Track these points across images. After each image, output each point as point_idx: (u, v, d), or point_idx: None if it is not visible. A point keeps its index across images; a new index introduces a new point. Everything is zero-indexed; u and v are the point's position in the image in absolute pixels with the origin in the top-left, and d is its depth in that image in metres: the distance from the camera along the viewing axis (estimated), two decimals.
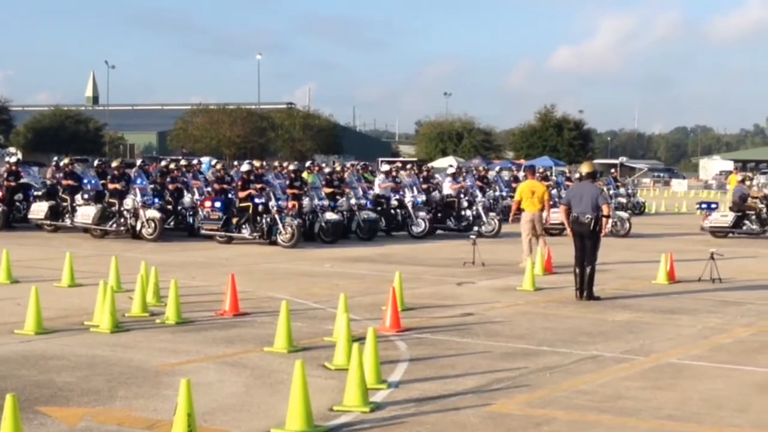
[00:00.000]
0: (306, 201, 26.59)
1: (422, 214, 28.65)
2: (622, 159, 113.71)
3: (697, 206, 31.48)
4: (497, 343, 11.93)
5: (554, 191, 40.46)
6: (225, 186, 26.93)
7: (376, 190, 30.67)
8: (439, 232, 29.31)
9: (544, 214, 20.59)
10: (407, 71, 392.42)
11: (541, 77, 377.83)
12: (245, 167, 26.40)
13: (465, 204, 29.84)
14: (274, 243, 24.37)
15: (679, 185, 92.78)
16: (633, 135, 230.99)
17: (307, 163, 35.34)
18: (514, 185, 39.02)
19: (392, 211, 29.15)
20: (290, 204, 25.24)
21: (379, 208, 28.78)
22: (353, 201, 27.51)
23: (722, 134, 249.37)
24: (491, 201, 37.27)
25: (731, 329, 13.36)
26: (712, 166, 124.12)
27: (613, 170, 68.16)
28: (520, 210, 20.71)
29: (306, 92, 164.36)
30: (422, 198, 29.21)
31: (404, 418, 8.46)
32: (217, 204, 25.44)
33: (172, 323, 12.75)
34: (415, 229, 28.45)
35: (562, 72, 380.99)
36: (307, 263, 20.78)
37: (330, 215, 26.11)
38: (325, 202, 26.85)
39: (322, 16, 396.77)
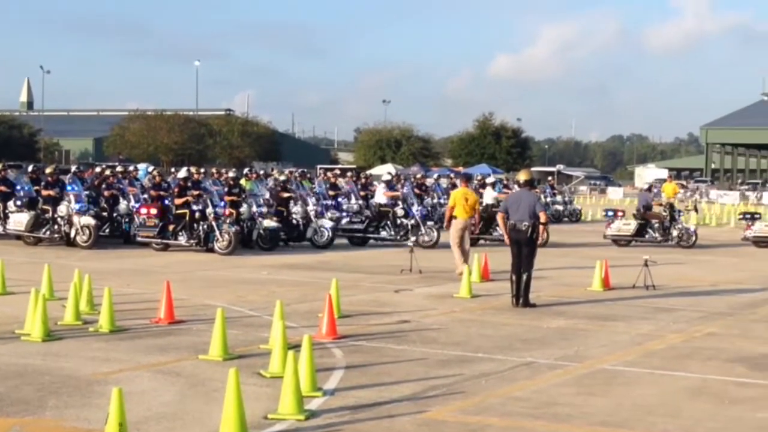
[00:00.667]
0: (244, 208, 26.39)
1: (326, 222, 27.33)
2: (560, 167, 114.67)
3: (604, 213, 31.82)
4: (433, 350, 11.96)
5: (429, 200, 40.76)
6: (162, 193, 26.70)
7: (378, 199, 29.93)
8: (371, 242, 28.55)
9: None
10: (347, 78, 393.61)
11: (481, 85, 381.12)
12: (182, 174, 26.22)
13: (401, 213, 28.59)
14: (211, 250, 24.17)
15: (614, 193, 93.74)
16: (570, 143, 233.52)
17: (245, 170, 35.18)
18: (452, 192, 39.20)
19: (398, 221, 28.40)
20: (227, 211, 25.03)
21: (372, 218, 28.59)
22: (254, 209, 26.52)
23: (657, 143, 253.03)
24: (429, 209, 37.39)
25: (664, 335, 13.52)
26: (647, 174, 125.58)
27: (550, 178, 68.70)
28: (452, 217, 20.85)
29: (245, 99, 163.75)
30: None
31: (339, 425, 8.44)
32: (154, 211, 25.19)
33: (106, 331, 12.60)
34: (319, 239, 26.98)
35: (501, 80, 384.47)
36: (244, 270, 20.66)
37: (268, 222, 25.97)
38: (264, 209, 26.74)
39: (261, 23, 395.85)
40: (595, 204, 68.25)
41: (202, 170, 35.62)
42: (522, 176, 17.07)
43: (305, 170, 47.04)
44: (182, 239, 24.61)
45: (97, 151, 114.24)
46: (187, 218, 24.49)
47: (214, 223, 24.12)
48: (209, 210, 24.24)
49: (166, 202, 25.89)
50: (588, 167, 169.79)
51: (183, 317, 13.73)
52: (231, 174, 30.10)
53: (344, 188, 34.62)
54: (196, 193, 24.85)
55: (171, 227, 24.78)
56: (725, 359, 11.86)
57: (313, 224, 26.90)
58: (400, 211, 28.58)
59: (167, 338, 12.37)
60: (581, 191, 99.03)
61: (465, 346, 12.35)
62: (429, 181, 42.73)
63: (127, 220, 27.18)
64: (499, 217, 16.66)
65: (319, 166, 77.86)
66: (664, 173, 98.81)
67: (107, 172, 30.42)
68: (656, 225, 29.63)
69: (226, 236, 24.03)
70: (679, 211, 30.72)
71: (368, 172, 59.77)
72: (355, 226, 28.87)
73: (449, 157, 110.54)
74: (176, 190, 25.36)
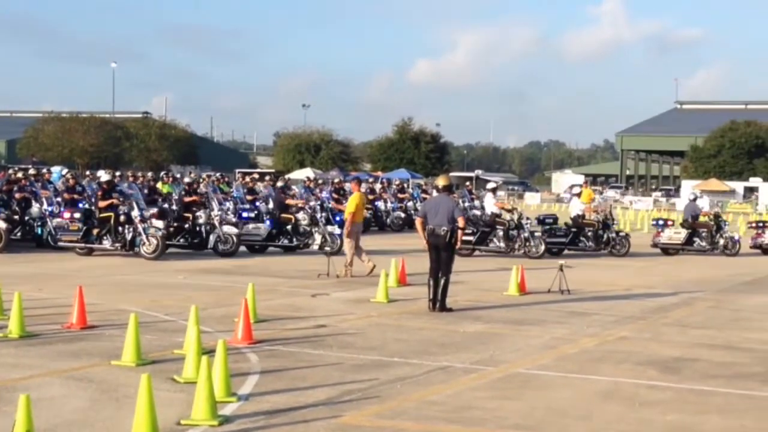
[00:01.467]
0: (202, 212, 25.91)
1: (230, 229, 25.95)
2: (478, 172, 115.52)
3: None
4: (349, 355, 11.94)
5: (410, 204, 41.07)
6: (76, 196, 26.29)
7: (489, 210, 28.08)
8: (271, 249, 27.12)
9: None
10: (266, 82, 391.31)
11: (400, 90, 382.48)
12: (105, 177, 25.78)
13: (304, 220, 27.00)
14: (138, 254, 23.77)
15: (532, 198, 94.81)
16: (488, 149, 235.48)
17: (161, 174, 34.87)
18: (370, 197, 39.39)
19: (300, 228, 27.20)
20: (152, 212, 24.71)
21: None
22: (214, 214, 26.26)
23: (574, 149, 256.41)
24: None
25: (577, 339, 13.68)
26: (564, 179, 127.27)
27: (468, 183, 69.19)
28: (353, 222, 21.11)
29: (163, 101, 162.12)
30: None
31: (253, 431, 8.38)
32: (77, 215, 24.68)
33: (16, 337, 12.35)
34: (222, 247, 25.42)
35: (420, 85, 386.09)
36: (160, 275, 20.43)
37: (228, 228, 25.64)
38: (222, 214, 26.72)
39: (180, 25, 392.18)
40: None
41: (118, 173, 35.17)
42: (441, 181, 17.16)
43: (224, 174, 46.80)
44: (107, 243, 24.14)
45: (10, 154, 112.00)
46: (112, 222, 24.03)
47: (140, 227, 23.72)
48: (135, 213, 23.87)
49: (80, 205, 25.47)
50: (506, 173, 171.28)
51: (96, 322, 13.52)
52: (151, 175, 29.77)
53: (262, 192, 34.50)
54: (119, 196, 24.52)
55: (95, 231, 24.25)
56: (637, 362, 12.04)
57: (217, 230, 25.44)
58: (302, 218, 27.10)
59: (79, 344, 12.17)
60: (500, 196, 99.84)
61: (381, 350, 12.36)
62: (347, 186, 42.70)
63: (39, 223, 26.66)
64: (418, 222, 16.72)
65: (237, 170, 77.34)
66: (580, 179, 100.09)
67: (19, 175, 29.88)
68: (704, 234, 30.07)
69: (153, 240, 23.67)
70: (725, 221, 30.65)
71: (287, 176, 59.55)
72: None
73: (368, 161, 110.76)
74: (100, 193, 24.88)
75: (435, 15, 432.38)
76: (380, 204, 39.58)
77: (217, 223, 25.52)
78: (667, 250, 30.21)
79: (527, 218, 27.72)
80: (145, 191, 30.36)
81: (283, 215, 26.87)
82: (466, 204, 42.81)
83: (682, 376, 11.26)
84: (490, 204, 28.19)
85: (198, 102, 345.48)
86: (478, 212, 44.83)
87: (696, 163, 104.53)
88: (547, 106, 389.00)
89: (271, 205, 29.09)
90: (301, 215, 27.07)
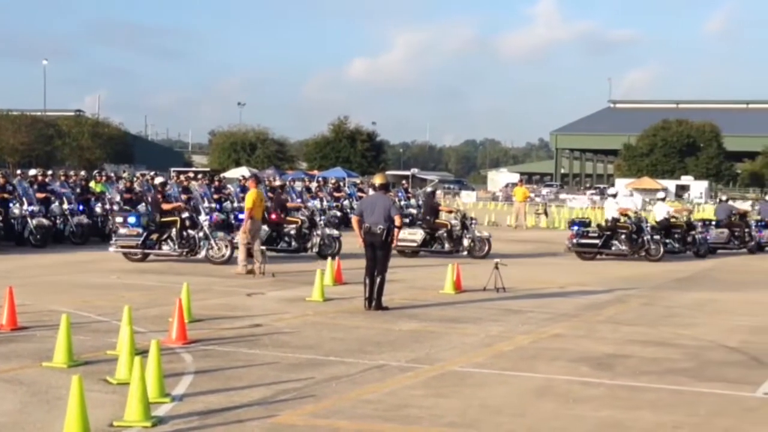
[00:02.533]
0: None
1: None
2: (414, 170, 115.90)
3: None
4: (285, 354, 11.90)
5: (346, 202, 41.06)
6: (6, 195, 25.88)
7: (610, 215, 28.17)
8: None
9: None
10: (201, 81, 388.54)
11: (337, 89, 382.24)
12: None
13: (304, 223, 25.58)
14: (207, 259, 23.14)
15: (468, 197, 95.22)
16: (425, 147, 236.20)
17: (94, 172, 34.49)
18: (306, 195, 39.28)
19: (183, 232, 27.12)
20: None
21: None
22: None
23: (509, 147, 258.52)
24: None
25: (513, 337, 13.77)
26: (499, 178, 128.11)
27: (404, 182, 69.44)
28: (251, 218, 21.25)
29: (95, 100, 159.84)
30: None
31: (187, 431, 8.31)
32: (132, 219, 23.76)
33: None
34: None
35: (357, 84, 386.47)
36: (94, 275, 20.19)
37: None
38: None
39: (113, 22, 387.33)
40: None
41: (50, 172, 34.67)
42: (377, 180, 17.19)
43: (158, 172, 46.37)
44: (167, 248, 23.25)
45: None
46: (178, 226, 23.23)
47: (208, 231, 23.27)
48: (202, 217, 23.48)
49: (11, 205, 25.07)
50: (442, 171, 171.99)
51: (26, 323, 13.32)
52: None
53: (197, 191, 34.25)
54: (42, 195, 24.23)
55: (155, 236, 23.33)
56: (570, 359, 12.15)
57: (209, 239, 24.07)
58: (303, 221, 25.55)
59: (9, 345, 11.97)
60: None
61: (317, 349, 12.33)
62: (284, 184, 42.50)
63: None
64: (354, 220, 16.72)
65: (172, 169, 76.71)
66: (515, 177, 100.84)
67: None
68: (444, 235, 27.38)
69: (222, 245, 23.18)
70: (646, 221, 28.80)
71: (222, 175, 59.22)
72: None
73: (304, 160, 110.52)
74: (160, 196, 24.07)
75: (372, 14, 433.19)
76: (316, 203, 39.48)
77: (207, 231, 23.50)
78: (583, 254, 27.86)
79: (474, 219, 27.93)
80: (78, 190, 30.02)
81: (163, 219, 23.65)
82: (402, 202, 42.96)
83: (615, 373, 11.39)
84: (612, 209, 28.50)
85: (132, 100, 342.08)
86: (414, 211, 45.12)
87: (629, 161, 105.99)
88: (483, 105, 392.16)
89: (206, 204, 28.73)
90: (300, 217, 26.18)
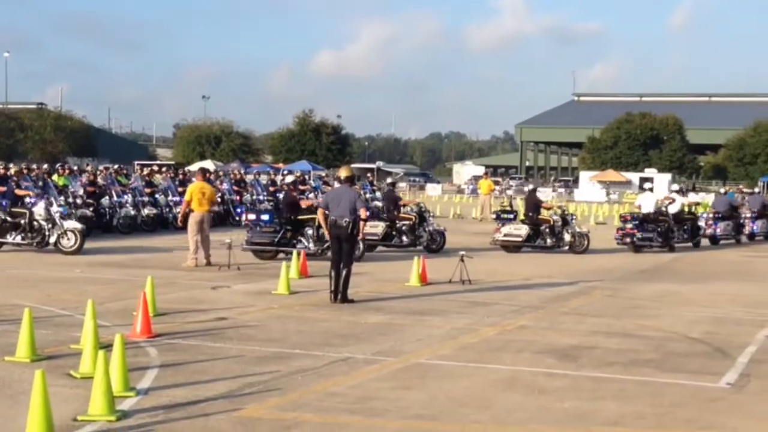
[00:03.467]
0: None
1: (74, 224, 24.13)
2: (379, 163, 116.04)
3: None
4: (250, 347, 11.87)
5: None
6: None
7: (649, 208, 28.79)
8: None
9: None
10: (165, 73, 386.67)
11: (302, 82, 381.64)
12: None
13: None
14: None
15: (433, 189, 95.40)
16: (390, 140, 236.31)
17: (57, 166, 34.23)
18: (272, 189, 39.23)
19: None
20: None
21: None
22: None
23: (475, 140, 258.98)
24: (248, 205, 37.26)
25: (478, 329, 13.81)
26: (465, 171, 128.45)
27: (369, 174, 69.39)
28: (190, 210, 21.45)
29: (58, 92, 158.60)
30: None
31: (152, 425, 8.27)
32: (265, 217, 23.24)
33: None
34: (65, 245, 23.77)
35: (322, 77, 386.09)
36: (56, 269, 20.04)
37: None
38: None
39: (75, 14, 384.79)
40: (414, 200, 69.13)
41: (11, 165, 34.36)
42: (342, 173, 17.18)
43: (122, 165, 46.13)
44: (301, 246, 22.55)
45: None
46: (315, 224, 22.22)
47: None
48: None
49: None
50: (407, 164, 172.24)
51: None
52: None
53: (161, 184, 34.14)
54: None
55: (290, 235, 22.84)
56: (535, 351, 12.20)
57: (57, 227, 23.44)
58: (40, 211, 23.86)
59: None
60: (400, 188, 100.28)
61: (282, 342, 12.31)
62: (248, 178, 42.53)
63: None
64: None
65: (136, 162, 76.23)
66: (481, 170, 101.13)
67: None
68: (546, 230, 27.41)
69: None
70: (572, 216, 28.59)
71: (187, 168, 58.96)
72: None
73: (270, 153, 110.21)
74: (295, 192, 23.85)
75: (337, 6, 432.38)
76: (281, 196, 39.44)
77: (58, 219, 23.45)
78: (508, 248, 27.23)
79: (430, 212, 27.71)
80: (40, 183, 29.77)
81: (300, 217, 23.04)
82: (368, 195, 42.95)
83: (580, 364, 11.45)
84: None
85: (95, 93, 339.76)
86: (380, 203, 45.12)
87: (593, 154, 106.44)
88: (448, 98, 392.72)
89: (171, 197, 28.55)
90: (412, 214, 26.32)
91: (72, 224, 23.65)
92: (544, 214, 27.81)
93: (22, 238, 23.72)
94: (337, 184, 18.38)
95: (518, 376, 10.72)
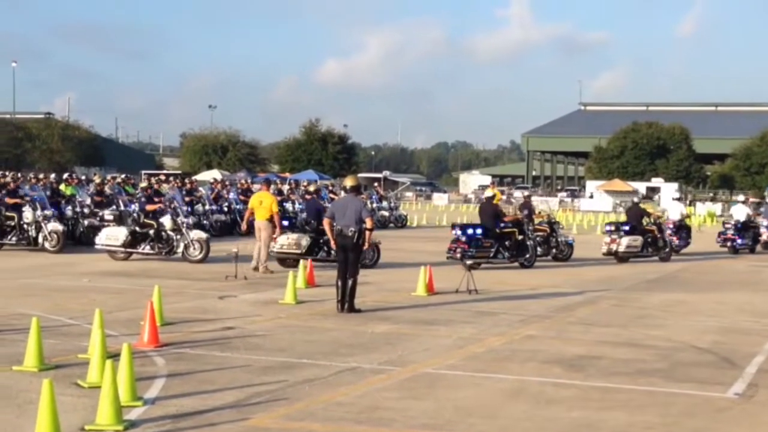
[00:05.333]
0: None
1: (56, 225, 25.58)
2: (386, 173, 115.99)
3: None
4: (257, 357, 11.87)
5: None
6: None
7: (676, 216, 31.40)
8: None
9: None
10: (172, 83, 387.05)
11: (308, 91, 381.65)
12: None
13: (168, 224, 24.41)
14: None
15: (440, 199, 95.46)
16: (396, 149, 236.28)
17: (65, 175, 34.31)
18: (279, 198, 39.22)
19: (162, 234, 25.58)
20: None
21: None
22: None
23: (481, 150, 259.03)
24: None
25: (485, 339, 13.79)
26: (471, 180, 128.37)
27: (376, 184, 69.51)
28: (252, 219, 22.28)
29: (65, 102, 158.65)
30: None
31: None
32: None
33: None
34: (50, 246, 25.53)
35: (328, 86, 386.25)
36: (64, 278, 20.06)
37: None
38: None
39: (82, 24, 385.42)
40: (421, 210, 69.28)
41: (20, 175, 34.47)
42: (348, 182, 17.16)
43: (129, 175, 46.21)
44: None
45: None
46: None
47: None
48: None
49: None
50: (414, 173, 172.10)
51: None
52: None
53: (168, 194, 34.14)
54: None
55: None
56: (542, 361, 12.19)
57: (184, 237, 24.26)
58: (167, 222, 24.47)
59: None
60: (407, 197, 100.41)
61: (289, 352, 12.31)
62: (255, 187, 42.51)
63: None
64: (326, 223, 16.70)
65: (143, 172, 76.35)
66: (487, 180, 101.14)
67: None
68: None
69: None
70: (559, 224, 28.68)
71: (194, 177, 59.01)
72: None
73: (276, 162, 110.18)
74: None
75: (343, 15, 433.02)
76: (288, 205, 39.46)
77: (43, 224, 24.69)
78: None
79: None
80: (48, 193, 29.82)
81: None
82: (374, 205, 42.99)
83: (587, 374, 11.43)
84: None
85: (102, 102, 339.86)
86: (386, 213, 45.14)
87: (600, 163, 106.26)
88: (455, 107, 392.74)
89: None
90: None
91: (198, 234, 24.47)
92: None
93: (151, 248, 24.34)
94: (342, 194, 18.42)
95: (525, 386, 10.71)
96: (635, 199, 32.47)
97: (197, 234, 24.52)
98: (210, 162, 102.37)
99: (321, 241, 22.83)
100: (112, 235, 24.32)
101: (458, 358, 12.27)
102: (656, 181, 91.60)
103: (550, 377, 11.17)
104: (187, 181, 44.62)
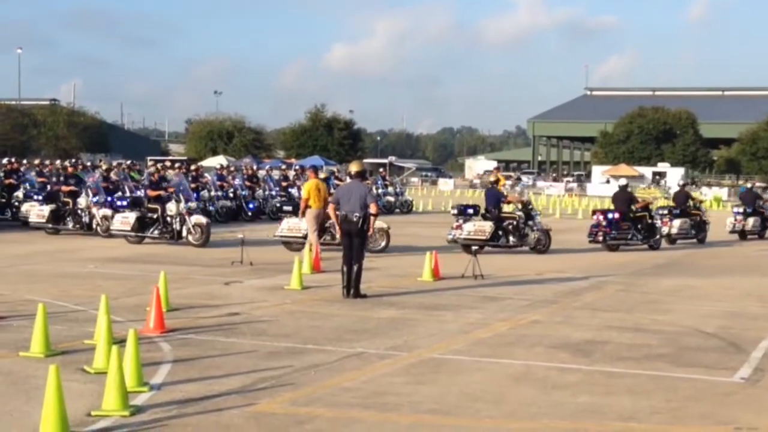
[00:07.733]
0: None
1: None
2: (391, 158, 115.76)
3: None
4: (263, 342, 11.88)
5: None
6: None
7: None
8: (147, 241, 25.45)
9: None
10: (177, 69, 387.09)
11: (314, 77, 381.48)
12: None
13: (172, 209, 24.91)
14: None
15: (445, 184, 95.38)
16: (402, 135, 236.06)
17: (71, 161, 34.32)
18: (284, 184, 39.24)
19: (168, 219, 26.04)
20: None
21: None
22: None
23: (487, 135, 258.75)
24: (261, 201, 37.34)
25: (491, 324, 13.79)
26: (477, 165, 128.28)
27: (381, 169, 69.39)
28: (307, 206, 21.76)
29: (71, 88, 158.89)
30: None
31: (166, 420, 8.28)
32: None
33: None
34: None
35: (334, 72, 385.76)
36: (70, 264, 20.09)
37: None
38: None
39: (88, 10, 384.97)
40: (426, 195, 69.24)
41: (25, 161, 34.51)
42: (354, 167, 17.13)
43: (134, 161, 46.19)
44: None
45: None
46: None
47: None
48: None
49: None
50: (419, 159, 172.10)
51: (3, 313, 13.25)
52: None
53: (174, 180, 34.11)
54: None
55: None
56: (548, 345, 12.18)
57: (187, 224, 24.72)
58: (172, 207, 25.02)
59: None
60: (413, 183, 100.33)
61: (295, 337, 12.31)
62: (261, 173, 42.56)
63: None
64: (331, 209, 16.68)
65: (149, 158, 76.41)
66: (493, 165, 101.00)
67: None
68: (510, 227, 25.30)
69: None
70: (536, 211, 26.40)
71: (200, 163, 59.03)
72: None
73: (281, 148, 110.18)
74: None
75: (349, 1, 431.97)
76: (294, 191, 39.52)
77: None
78: (468, 247, 23.31)
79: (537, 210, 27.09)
80: (54, 179, 29.88)
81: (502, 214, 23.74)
82: (380, 190, 42.95)
83: (593, 359, 11.42)
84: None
85: (107, 89, 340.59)
86: (392, 198, 45.09)
87: (606, 148, 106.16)
88: (461, 92, 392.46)
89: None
90: (518, 212, 25.08)
91: (197, 219, 24.81)
92: (507, 209, 25.38)
93: (160, 233, 24.99)
94: (348, 179, 18.40)
95: (531, 370, 10.70)
96: (680, 182, 34.17)
97: (197, 219, 24.75)
98: (215, 148, 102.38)
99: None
100: (125, 220, 25.08)
101: (464, 343, 12.27)
102: (662, 166, 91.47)
103: (556, 362, 11.16)
104: (192, 167, 44.58)
